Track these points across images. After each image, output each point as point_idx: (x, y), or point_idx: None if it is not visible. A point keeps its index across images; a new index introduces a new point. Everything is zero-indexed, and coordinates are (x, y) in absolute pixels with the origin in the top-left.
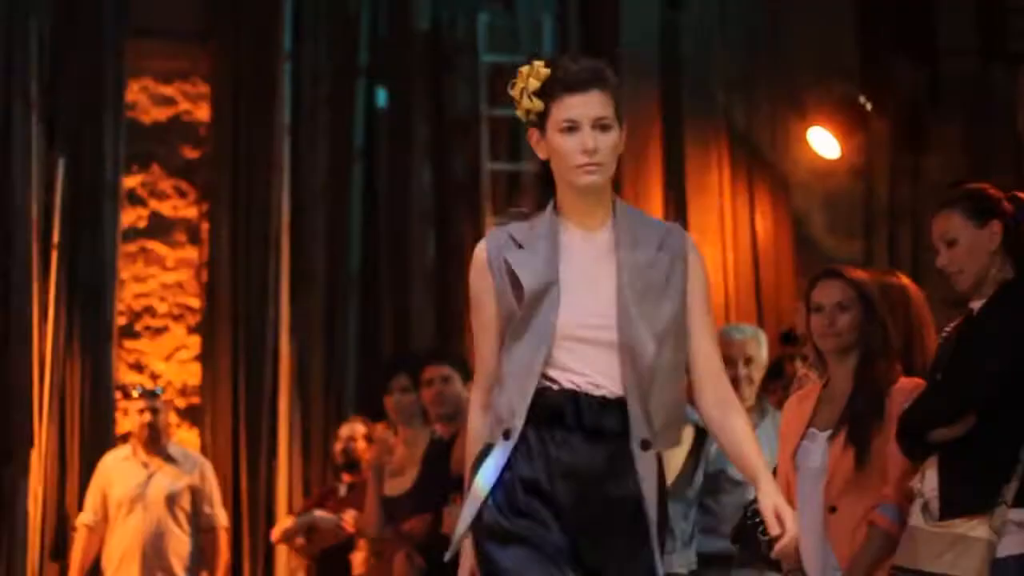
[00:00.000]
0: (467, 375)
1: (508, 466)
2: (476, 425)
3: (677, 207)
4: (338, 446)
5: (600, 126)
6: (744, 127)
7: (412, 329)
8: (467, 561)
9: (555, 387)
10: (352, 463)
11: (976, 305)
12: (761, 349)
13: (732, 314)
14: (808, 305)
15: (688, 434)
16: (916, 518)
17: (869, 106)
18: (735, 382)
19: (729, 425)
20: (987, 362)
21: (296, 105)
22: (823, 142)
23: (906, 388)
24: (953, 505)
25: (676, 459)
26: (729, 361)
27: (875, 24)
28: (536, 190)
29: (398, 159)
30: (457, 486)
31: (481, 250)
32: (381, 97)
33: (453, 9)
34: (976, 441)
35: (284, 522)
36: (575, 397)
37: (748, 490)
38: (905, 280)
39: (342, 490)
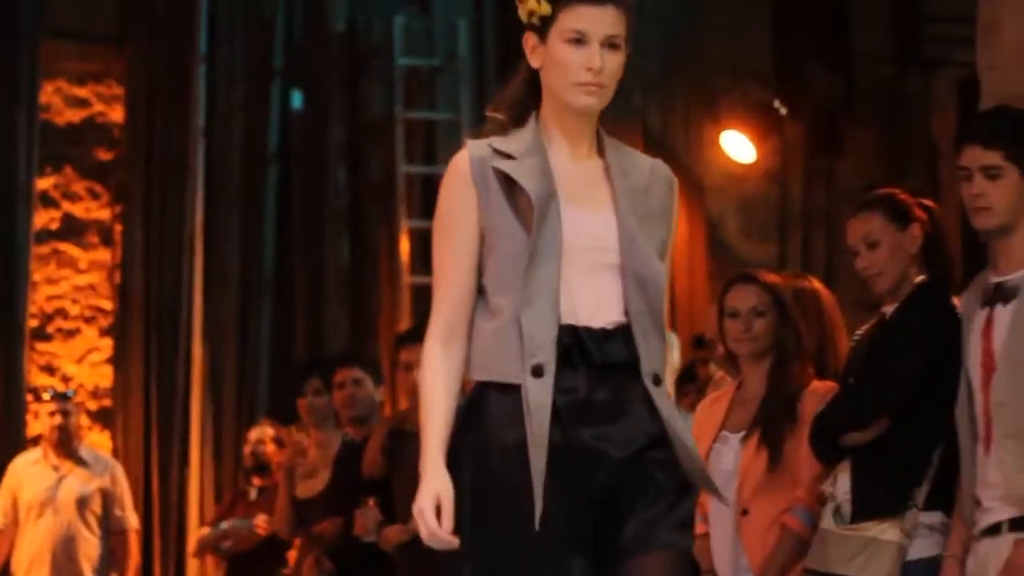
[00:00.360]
0: (379, 378)
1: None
2: (437, 354)
3: None
4: (247, 449)
5: (610, 44)
6: (659, 130)
7: (325, 332)
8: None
9: (565, 320)
10: (261, 466)
11: (888, 309)
12: (674, 352)
13: None
14: (722, 309)
15: None
16: (827, 521)
17: (784, 110)
18: None
19: None
20: (900, 366)
21: (211, 107)
22: (738, 146)
23: (819, 391)
24: (865, 508)
25: None
26: None
27: (790, 29)
28: (514, 98)
29: (313, 161)
30: (369, 489)
31: (462, 159)
32: (296, 99)
33: (369, 12)
34: (888, 444)
35: (200, 534)
36: (574, 329)
37: None
38: (817, 284)
39: (252, 493)
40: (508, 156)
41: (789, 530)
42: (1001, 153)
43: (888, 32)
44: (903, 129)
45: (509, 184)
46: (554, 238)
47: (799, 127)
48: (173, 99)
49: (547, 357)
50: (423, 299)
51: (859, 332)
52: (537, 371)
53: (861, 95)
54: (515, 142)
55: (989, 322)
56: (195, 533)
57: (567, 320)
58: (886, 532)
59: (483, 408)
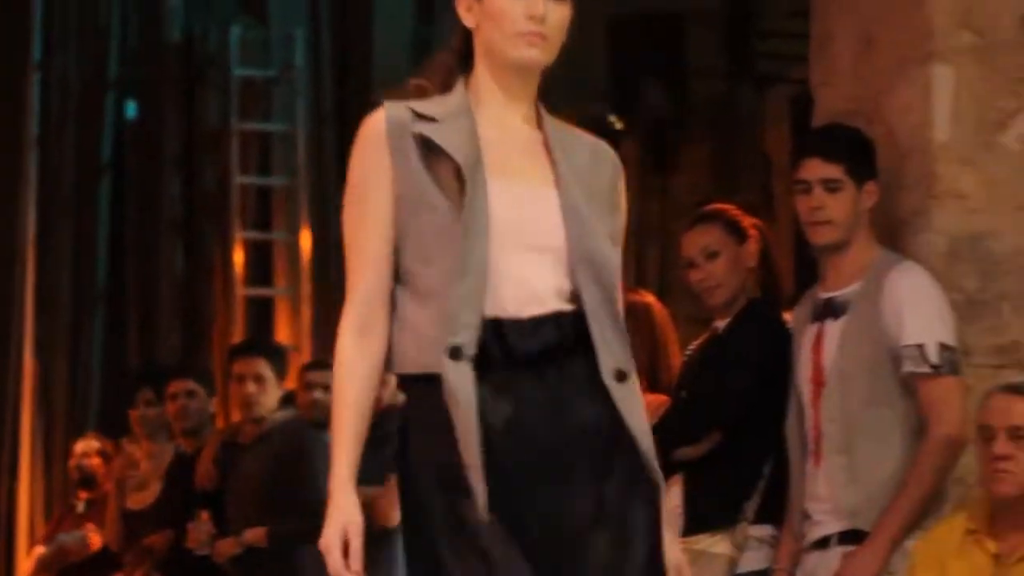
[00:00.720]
0: (212, 390)
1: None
2: (349, 346)
3: None
4: (72, 463)
5: None
6: None
7: (158, 343)
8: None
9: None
10: (87, 479)
11: (721, 324)
12: None
13: None
14: None
15: None
16: None
17: (619, 125)
18: None
19: None
20: (732, 380)
21: (44, 117)
22: None
23: (651, 406)
24: (696, 521)
25: None
26: None
27: (625, 45)
28: (441, 65)
29: (147, 172)
30: (201, 501)
31: (378, 121)
32: (131, 109)
33: (205, 21)
34: (720, 458)
35: (36, 553)
36: (498, 322)
37: None
38: (650, 298)
39: (80, 507)
40: (430, 119)
41: None
42: (841, 167)
43: (721, 48)
44: (736, 144)
45: (430, 150)
46: (482, 212)
47: (633, 142)
48: (6, 109)
49: (467, 339)
50: (256, 311)
51: (692, 347)
52: (454, 353)
53: (695, 111)
54: (438, 105)
55: (819, 337)
56: (24, 548)
57: (491, 312)
58: (717, 545)
59: (412, 410)
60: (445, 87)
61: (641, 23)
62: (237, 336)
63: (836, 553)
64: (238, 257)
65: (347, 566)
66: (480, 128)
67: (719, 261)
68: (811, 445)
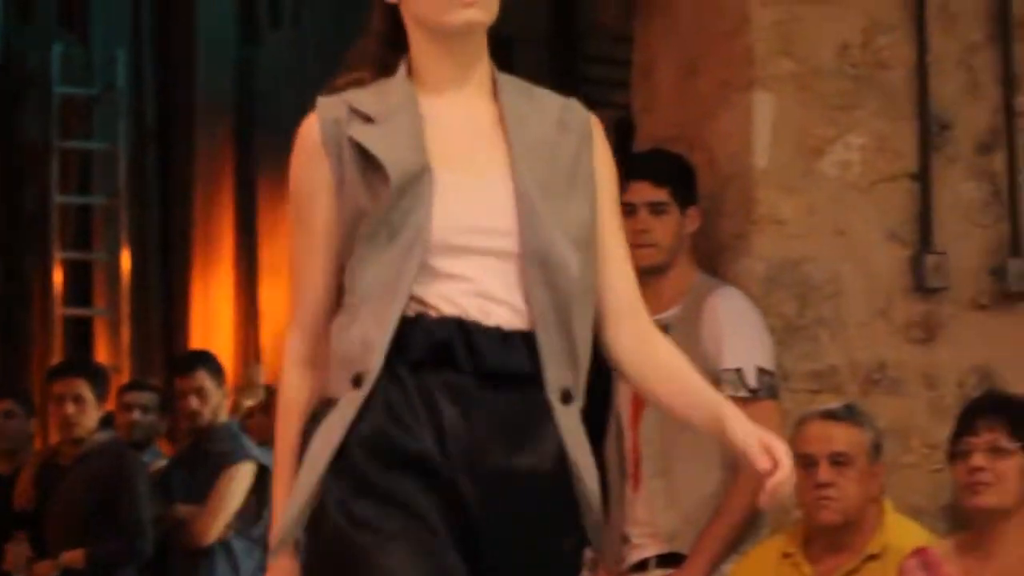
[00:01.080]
0: (30, 410)
1: (358, 427)
2: (293, 383)
3: (248, 245)
4: None
5: None
6: None
7: None
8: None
9: (433, 314)
10: None
11: None
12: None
13: None
14: None
15: (249, 470)
16: None
17: None
18: None
19: (663, 362)
20: None
21: None
22: None
23: None
24: None
25: (236, 497)
26: None
27: None
28: (368, 53)
29: None
30: (19, 522)
31: (311, 127)
32: None
33: (26, 40)
34: None
35: None
36: (463, 326)
37: None
38: None
39: None
40: (366, 117)
41: None
42: (667, 191)
43: (547, 72)
44: None
45: (365, 157)
46: (417, 221)
47: None
48: None
49: (372, 364)
50: (76, 331)
51: None
52: (357, 380)
53: None
54: (378, 97)
55: None
56: None
57: (452, 313)
58: None
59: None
60: (384, 71)
61: None
62: (56, 356)
63: None
64: (57, 277)
65: None
66: (426, 113)
67: None
68: (630, 468)
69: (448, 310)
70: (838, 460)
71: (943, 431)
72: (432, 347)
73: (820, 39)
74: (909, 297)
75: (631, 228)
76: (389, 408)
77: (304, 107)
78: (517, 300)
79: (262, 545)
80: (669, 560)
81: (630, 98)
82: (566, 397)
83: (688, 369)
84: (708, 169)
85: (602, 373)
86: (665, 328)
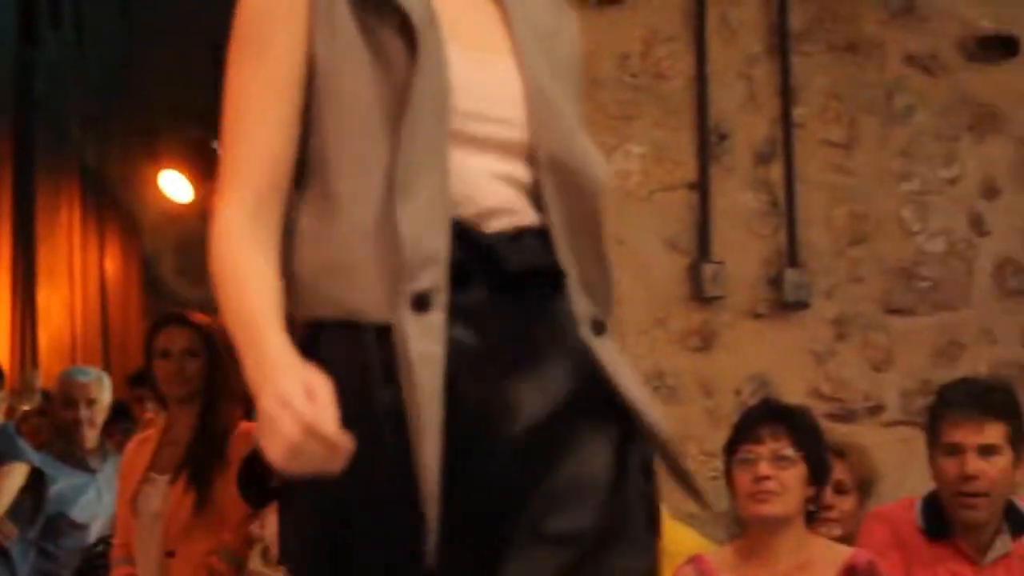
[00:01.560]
0: None
1: (454, 380)
2: (241, 237)
3: (25, 247)
4: None
5: None
6: (97, 167)
7: None
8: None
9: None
10: None
11: None
12: (104, 392)
13: (79, 356)
14: (153, 350)
15: (23, 471)
16: (256, 562)
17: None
18: (76, 424)
19: None
20: None
21: None
22: (175, 185)
23: (248, 433)
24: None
25: (7, 495)
26: (71, 403)
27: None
28: None
29: None
30: None
31: None
32: None
33: None
34: None
35: None
36: (462, 230)
37: (88, 534)
38: None
39: None
40: None
41: (214, 572)
42: None
43: None
44: None
45: (364, 5)
46: (439, 89)
47: None
48: None
49: (436, 279)
50: None
51: None
52: (421, 302)
53: None
54: None
55: None
56: None
57: (466, 213)
58: None
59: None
60: None
61: None
62: None
63: None
64: None
65: (319, 414)
66: None
67: None
68: None
69: (462, 211)
70: None
71: (720, 438)
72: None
73: (600, 49)
74: (687, 306)
75: None
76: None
77: (85, 108)
78: (531, 208)
79: (36, 547)
80: None
81: None
82: (597, 327)
83: None
84: None
85: None
86: None
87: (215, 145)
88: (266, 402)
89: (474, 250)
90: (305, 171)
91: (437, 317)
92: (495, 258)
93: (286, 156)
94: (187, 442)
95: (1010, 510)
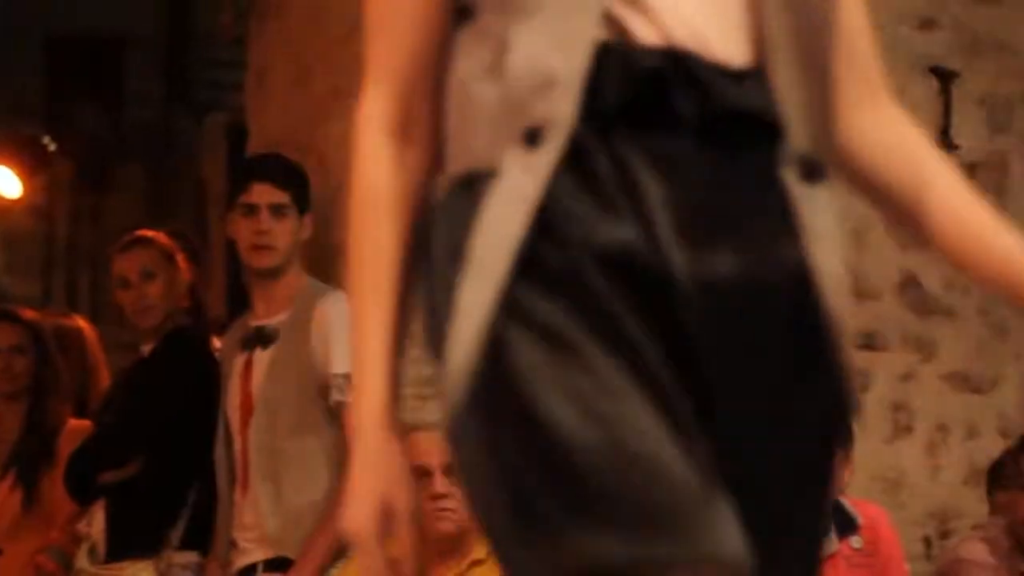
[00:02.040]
0: None
1: (551, 205)
2: (380, 160)
3: None
4: None
5: None
6: None
7: None
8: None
9: (633, 38)
10: None
11: (147, 348)
12: None
13: None
14: None
15: None
16: (83, 560)
17: (53, 147)
18: None
19: (909, 151)
20: (155, 405)
21: None
22: (4, 180)
23: (76, 430)
24: (120, 547)
25: None
26: None
27: (63, 66)
28: None
29: None
30: None
31: None
32: None
33: None
34: (144, 484)
35: None
36: (678, 57)
37: None
38: (81, 322)
39: None
40: None
41: (43, 571)
42: (289, 194)
43: (159, 74)
44: (172, 170)
45: None
46: None
47: (68, 164)
48: None
49: (558, 109)
50: None
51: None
52: (532, 135)
53: (131, 135)
54: None
55: (248, 366)
56: None
57: (654, 40)
58: (141, 572)
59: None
60: None
61: (80, 45)
62: None
63: None
64: None
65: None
66: None
67: (155, 283)
68: (239, 473)
69: (649, 36)
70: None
71: None
72: (634, 86)
73: None
74: None
75: (252, 229)
76: (586, 180)
77: None
78: (743, 28)
79: None
80: (276, 565)
81: (244, 101)
82: (811, 171)
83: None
84: (319, 175)
85: (208, 383)
86: (275, 333)
87: (46, 141)
88: (347, 513)
89: (684, 76)
90: (467, 13)
91: (548, 154)
92: (705, 94)
93: (433, 33)
94: (14, 440)
95: (836, 511)
